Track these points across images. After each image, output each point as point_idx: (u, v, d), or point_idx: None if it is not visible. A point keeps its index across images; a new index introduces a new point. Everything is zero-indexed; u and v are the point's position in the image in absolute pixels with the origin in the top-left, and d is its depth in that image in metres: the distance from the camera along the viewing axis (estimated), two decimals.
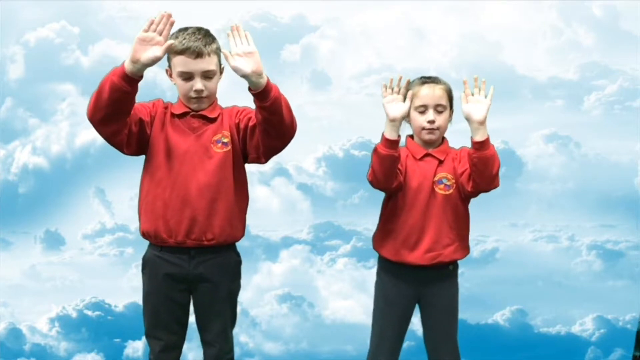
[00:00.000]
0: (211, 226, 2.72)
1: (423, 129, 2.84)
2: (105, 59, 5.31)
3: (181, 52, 2.64)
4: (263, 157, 2.72)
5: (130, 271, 5.05)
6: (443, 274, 2.90)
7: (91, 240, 5.21)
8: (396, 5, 5.41)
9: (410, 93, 2.80)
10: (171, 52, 2.67)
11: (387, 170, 2.76)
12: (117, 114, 2.57)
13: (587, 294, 5.15)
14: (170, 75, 2.76)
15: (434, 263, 2.85)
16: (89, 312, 5.04)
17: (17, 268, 5.11)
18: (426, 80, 2.88)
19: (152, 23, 2.50)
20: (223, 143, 2.73)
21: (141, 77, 2.55)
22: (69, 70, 5.31)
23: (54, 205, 5.26)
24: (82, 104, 5.20)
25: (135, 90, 2.55)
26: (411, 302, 2.93)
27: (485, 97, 2.77)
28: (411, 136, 2.93)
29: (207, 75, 2.69)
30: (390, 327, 2.94)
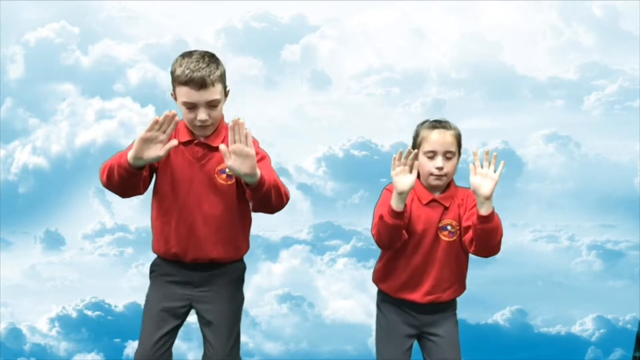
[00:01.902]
0: (216, 251, 2.77)
1: (431, 174, 2.84)
2: (105, 59, 5.32)
3: (185, 83, 2.60)
4: (252, 210, 2.76)
5: (130, 271, 5.05)
6: (441, 307, 2.95)
7: (91, 240, 5.21)
8: (396, 5, 5.41)
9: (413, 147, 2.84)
10: (175, 81, 2.65)
11: (392, 237, 2.78)
12: (130, 188, 2.64)
13: (587, 294, 5.15)
14: (175, 99, 2.74)
15: (432, 302, 2.90)
16: (89, 312, 5.04)
17: (17, 268, 5.11)
18: (436, 125, 2.86)
19: (156, 122, 2.49)
20: (228, 175, 2.73)
21: (145, 166, 2.59)
22: (69, 70, 5.31)
23: (54, 205, 5.27)
24: (82, 104, 5.22)
25: (142, 172, 2.59)
26: (412, 331, 2.94)
27: (495, 171, 2.72)
28: (417, 175, 2.90)
29: (211, 104, 2.67)
30: (395, 356, 2.95)
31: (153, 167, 2.74)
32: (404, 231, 2.80)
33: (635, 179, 5.20)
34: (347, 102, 5.44)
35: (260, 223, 5.08)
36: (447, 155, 2.83)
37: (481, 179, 2.70)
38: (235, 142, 2.46)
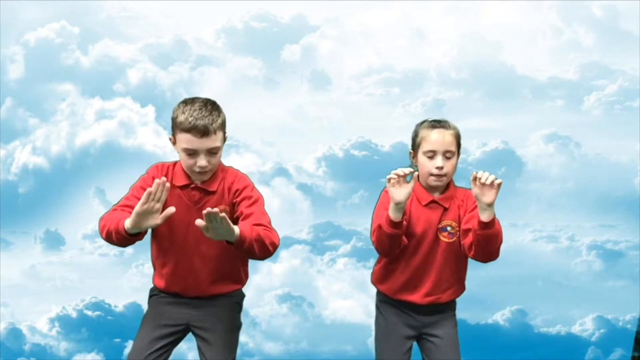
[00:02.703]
0: (216, 289, 2.82)
1: (431, 174, 2.83)
2: (105, 58, 5.32)
3: (187, 130, 2.63)
4: None
5: (130, 271, 5.05)
6: (441, 307, 2.95)
7: (91, 240, 5.21)
8: (396, 5, 5.42)
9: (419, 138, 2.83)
10: (177, 127, 2.66)
11: (392, 246, 2.79)
12: (130, 244, 2.70)
13: (587, 294, 5.15)
14: (174, 143, 2.75)
15: (431, 303, 2.90)
16: (89, 312, 5.04)
17: (17, 268, 5.11)
18: (436, 124, 2.86)
19: (149, 194, 2.50)
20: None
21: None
22: (69, 70, 5.31)
23: (54, 205, 5.26)
24: (82, 104, 5.21)
25: (140, 235, 2.64)
26: (412, 332, 2.94)
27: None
28: (417, 175, 2.89)
29: (212, 151, 2.69)
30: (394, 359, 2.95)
31: None
32: (403, 237, 2.80)
33: (635, 179, 5.20)
34: (347, 102, 5.45)
35: None
36: (447, 155, 2.82)
37: (482, 187, 2.68)
38: (211, 222, 2.47)
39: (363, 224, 5.15)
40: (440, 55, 5.43)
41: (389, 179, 2.69)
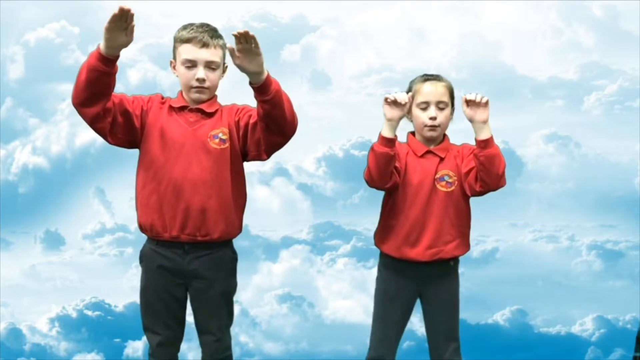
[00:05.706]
0: (205, 222, 2.71)
1: (425, 125, 2.87)
2: None
3: (187, 40, 2.69)
4: (265, 153, 2.75)
5: (130, 271, 5.05)
6: (444, 270, 2.92)
7: (91, 240, 5.21)
8: (396, 5, 5.42)
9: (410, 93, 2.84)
10: (177, 40, 2.72)
11: (382, 169, 2.80)
12: (96, 95, 2.58)
13: (587, 294, 5.16)
14: (174, 68, 2.78)
15: (434, 259, 2.87)
16: (89, 312, 5.04)
17: (17, 268, 5.11)
18: (428, 77, 2.91)
19: (115, 16, 2.45)
20: (221, 139, 2.73)
21: (117, 57, 2.55)
22: (69, 70, 5.31)
23: (54, 205, 5.27)
24: None
25: (112, 69, 2.55)
26: (412, 298, 2.94)
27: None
28: (412, 133, 2.94)
29: (210, 65, 2.71)
30: (391, 323, 2.94)
31: (131, 126, 2.73)
32: (396, 175, 2.82)
33: (635, 179, 5.20)
34: (347, 102, 5.45)
35: (260, 223, 5.11)
36: (440, 106, 2.87)
37: (474, 107, 2.76)
38: (241, 44, 2.48)
39: (363, 224, 5.15)
40: (440, 55, 5.44)
41: (386, 98, 2.76)
